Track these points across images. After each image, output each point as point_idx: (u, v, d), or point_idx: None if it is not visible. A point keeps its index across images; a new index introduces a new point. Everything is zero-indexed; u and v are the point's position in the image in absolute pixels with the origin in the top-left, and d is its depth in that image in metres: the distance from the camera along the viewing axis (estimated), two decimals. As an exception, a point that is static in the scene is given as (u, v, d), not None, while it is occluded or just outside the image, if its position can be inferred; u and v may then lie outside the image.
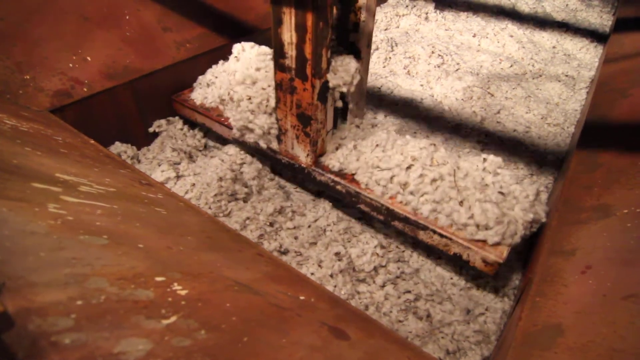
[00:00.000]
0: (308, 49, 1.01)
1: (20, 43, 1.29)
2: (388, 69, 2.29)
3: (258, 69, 1.38)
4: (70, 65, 1.36)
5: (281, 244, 1.24)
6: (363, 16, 1.14)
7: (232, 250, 0.74)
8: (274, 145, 1.37)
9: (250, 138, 1.39)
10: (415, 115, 1.95)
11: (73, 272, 0.41)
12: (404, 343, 0.73)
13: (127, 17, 1.53)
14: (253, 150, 1.48)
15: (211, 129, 1.58)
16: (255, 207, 1.32)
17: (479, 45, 2.46)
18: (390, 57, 2.32)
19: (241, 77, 1.37)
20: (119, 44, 1.48)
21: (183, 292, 0.48)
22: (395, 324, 1.08)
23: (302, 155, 1.30)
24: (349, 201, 1.27)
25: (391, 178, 1.18)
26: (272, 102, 1.32)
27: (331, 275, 1.15)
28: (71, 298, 0.37)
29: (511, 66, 2.29)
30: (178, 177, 1.42)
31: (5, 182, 0.56)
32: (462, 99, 2.04)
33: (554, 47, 2.55)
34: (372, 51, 2.35)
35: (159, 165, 1.44)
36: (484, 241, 1.05)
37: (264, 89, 1.34)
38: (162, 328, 0.40)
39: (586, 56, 2.49)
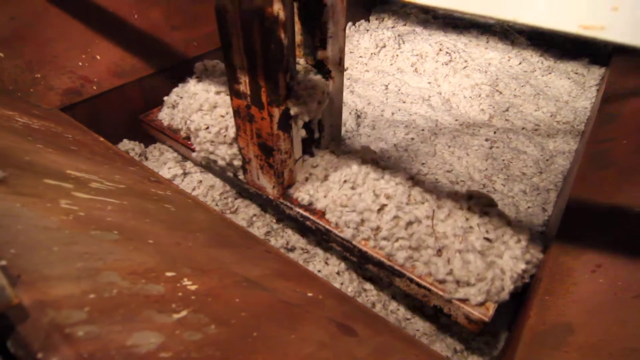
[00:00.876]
0: (260, 74, 0.89)
1: (30, 42, 1.31)
2: (395, 67, 2.28)
3: (219, 92, 1.25)
4: (80, 63, 1.38)
5: (288, 241, 1.25)
6: (331, 31, 1.02)
7: (240, 247, 0.74)
8: (240, 175, 1.23)
9: (215, 166, 1.27)
10: (422, 114, 1.95)
11: (85, 266, 0.42)
12: (411, 341, 0.73)
13: (136, 16, 1.54)
14: (222, 177, 1.38)
15: (179, 151, 1.49)
16: (262, 204, 1.32)
17: (487, 42, 2.44)
18: (397, 55, 2.32)
19: (198, 103, 1.24)
20: (128, 42, 1.49)
21: (193, 287, 0.49)
22: (402, 321, 1.08)
23: (268, 186, 1.16)
24: (319, 238, 1.14)
25: (361, 221, 1.02)
26: (232, 132, 1.18)
27: (338, 273, 1.15)
28: (84, 291, 0.38)
29: (520, 63, 2.27)
30: (185, 174, 1.43)
31: (18, 178, 0.56)
32: (470, 97, 2.02)
33: (564, 44, 2.52)
34: (379, 49, 2.35)
35: (165, 163, 1.45)
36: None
37: (222, 116, 1.20)
38: (173, 322, 0.40)
39: (597, 52, 2.46)
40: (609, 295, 0.75)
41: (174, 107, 1.48)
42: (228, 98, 1.23)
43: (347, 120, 1.84)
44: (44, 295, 0.35)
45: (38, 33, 1.33)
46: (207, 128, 1.21)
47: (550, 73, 2.23)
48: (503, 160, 1.64)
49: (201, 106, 1.25)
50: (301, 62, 1.10)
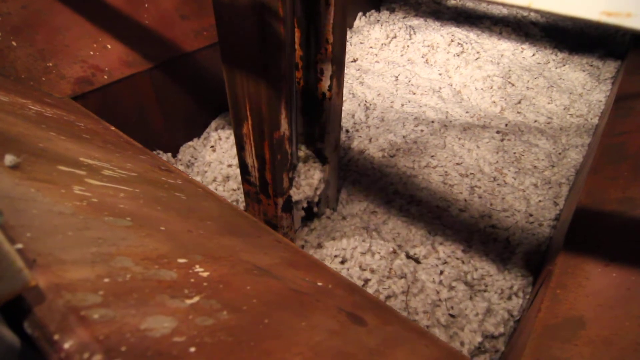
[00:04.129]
0: (268, 175, 1.05)
1: (42, 31, 1.31)
2: (406, 58, 2.26)
3: (230, 165, 1.39)
4: (91, 52, 1.38)
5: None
6: (328, 128, 1.15)
7: (250, 236, 0.74)
8: None
9: None
10: (432, 105, 1.93)
11: (99, 251, 0.42)
12: (421, 331, 0.73)
13: (146, 5, 1.54)
14: None
15: None
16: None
17: (500, 33, 2.40)
18: (408, 46, 2.29)
19: (212, 175, 1.37)
20: (138, 31, 1.49)
21: (205, 274, 0.49)
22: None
23: None
24: None
25: None
26: (242, 206, 1.30)
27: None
28: (99, 276, 0.38)
29: (533, 55, 2.23)
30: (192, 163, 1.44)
31: (32, 165, 0.57)
32: (482, 89, 2.00)
33: (579, 34, 2.47)
34: (390, 40, 2.32)
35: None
36: None
37: (234, 190, 1.34)
38: (186, 307, 0.40)
39: (613, 44, 2.40)
40: (621, 289, 0.74)
41: (188, 166, 1.57)
42: (238, 172, 1.34)
43: (356, 111, 1.83)
44: (60, 279, 0.35)
45: (49, 22, 1.33)
46: None
47: (564, 65, 2.19)
48: (514, 153, 1.62)
49: (215, 178, 1.39)
50: (302, 148, 1.23)
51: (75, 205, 0.50)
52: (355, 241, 1.20)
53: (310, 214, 1.32)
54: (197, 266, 0.50)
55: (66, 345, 0.30)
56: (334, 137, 1.19)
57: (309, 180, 1.17)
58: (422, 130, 1.70)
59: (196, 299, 0.43)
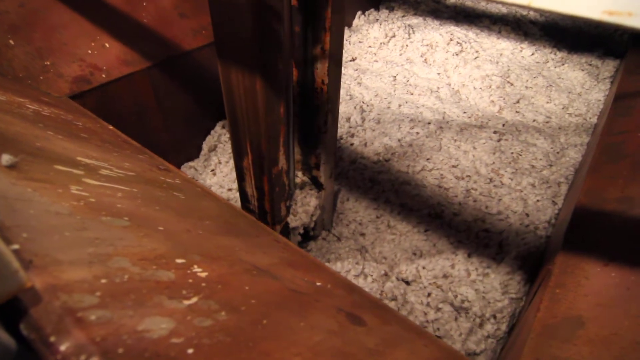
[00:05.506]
0: (267, 205, 1.10)
1: (39, 29, 1.31)
2: (404, 57, 2.25)
3: (230, 189, 1.40)
4: (89, 51, 1.37)
5: (296, 231, 1.25)
6: (323, 159, 1.20)
7: (249, 235, 0.74)
8: None
9: None
10: (429, 106, 1.92)
11: (97, 251, 0.42)
12: (420, 331, 0.73)
13: (145, 3, 1.53)
14: None
15: None
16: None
17: (499, 32, 2.39)
18: (407, 45, 2.29)
19: None
20: (137, 30, 1.49)
21: (203, 275, 0.49)
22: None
23: None
24: None
25: None
26: None
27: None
28: (96, 276, 0.38)
29: (532, 54, 2.23)
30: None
31: (29, 164, 0.56)
32: (481, 88, 2.00)
33: (578, 34, 2.47)
34: (388, 39, 2.32)
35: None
36: None
37: None
38: (184, 308, 0.40)
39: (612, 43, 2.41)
40: (621, 289, 0.74)
41: None
42: (237, 195, 1.36)
43: (353, 114, 1.82)
44: (56, 280, 0.35)
45: (47, 20, 1.33)
46: None
47: (563, 64, 2.19)
48: (512, 153, 1.62)
49: None
50: (299, 174, 1.27)
51: (72, 205, 0.49)
52: (349, 264, 1.22)
53: (307, 236, 1.36)
54: (196, 266, 0.50)
55: (62, 347, 0.30)
56: (329, 165, 1.24)
57: (305, 207, 1.22)
58: (417, 133, 1.69)
59: (194, 299, 0.42)
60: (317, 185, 1.27)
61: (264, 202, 1.10)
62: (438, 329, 1.08)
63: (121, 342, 0.32)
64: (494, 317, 1.11)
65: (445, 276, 1.21)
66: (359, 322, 0.61)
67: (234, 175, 1.45)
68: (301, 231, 1.26)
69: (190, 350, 0.35)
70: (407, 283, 1.21)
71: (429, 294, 1.15)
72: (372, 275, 1.18)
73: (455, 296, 1.15)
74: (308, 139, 1.19)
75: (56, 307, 0.32)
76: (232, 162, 1.52)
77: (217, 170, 1.55)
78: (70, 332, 0.31)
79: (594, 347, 0.66)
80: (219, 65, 0.91)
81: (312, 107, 1.11)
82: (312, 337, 0.49)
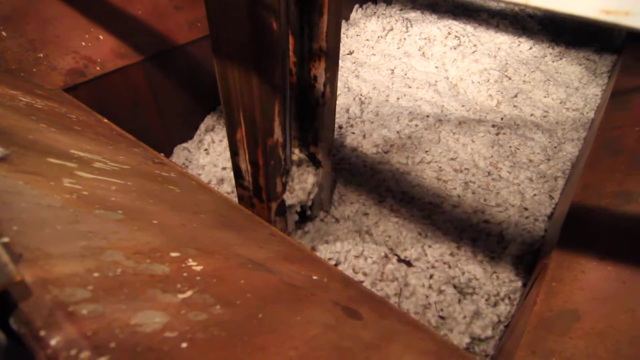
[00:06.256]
0: (262, 180, 1.05)
1: (32, 21, 1.29)
2: (402, 51, 2.24)
3: (224, 168, 1.37)
4: (83, 43, 1.36)
5: (293, 225, 1.25)
6: (321, 135, 1.16)
7: (245, 229, 0.74)
8: None
9: None
10: (427, 99, 1.92)
11: (89, 245, 0.41)
12: (416, 325, 0.73)
13: (139, -5, 1.51)
14: None
15: None
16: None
17: (497, 26, 2.38)
18: (404, 39, 2.27)
19: (206, 178, 1.36)
20: (131, 22, 1.47)
21: (198, 268, 0.48)
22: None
23: None
24: None
25: None
26: None
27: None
28: (88, 270, 0.37)
29: (530, 48, 2.22)
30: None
31: (21, 157, 0.56)
32: (478, 82, 1.99)
33: (576, 28, 2.46)
34: (386, 32, 2.30)
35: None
36: None
37: (228, 193, 1.33)
38: (178, 302, 0.39)
39: (610, 38, 2.40)
40: (617, 282, 0.74)
41: (182, 169, 1.53)
42: (232, 175, 1.33)
43: (351, 106, 1.82)
44: (47, 273, 0.34)
45: (40, 12, 1.31)
46: None
47: (561, 59, 2.19)
48: (510, 147, 1.62)
49: (210, 181, 1.38)
50: (296, 151, 1.22)
51: (64, 198, 0.49)
52: (349, 244, 1.20)
53: (304, 216, 1.32)
54: (190, 260, 0.49)
55: (53, 342, 0.29)
56: (327, 142, 1.20)
57: (302, 184, 1.18)
58: (416, 125, 1.69)
59: (189, 293, 0.42)
60: (315, 162, 1.22)
61: (259, 177, 1.05)
62: (442, 309, 1.07)
63: (113, 336, 0.31)
64: (508, 297, 1.11)
65: (452, 254, 1.22)
66: (355, 316, 0.60)
67: (227, 154, 1.41)
68: (298, 209, 1.22)
69: (184, 345, 0.34)
70: (409, 265, 1.20)
71: (431, 276, 1.13)
72: (372, 257, 1.15)
73: (463, 273, 1.15)
74: (305, 112, 1.14)
75: (47, 301, 0.32)
76: (226, 141, 1.47)
77: (210, 150, 1.52)
78: (61, 326, 0.30)
79: (590, 340, 0.66)
80: (208, 21, 0.85)
81: (309, 77, 1.05)
82: (308, 331, 0.48)
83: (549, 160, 1.57)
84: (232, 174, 1.31)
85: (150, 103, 1.56)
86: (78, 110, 1.08)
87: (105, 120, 1.10)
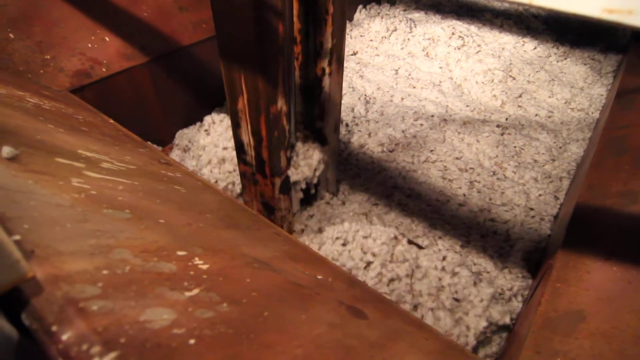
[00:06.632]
0: (265, 153, 1.00)
1: (39, 23, 1.30)
2: (406, 51, 2.24)
3: (226, 148, 1.35)
4: (89, 45, 1.37)
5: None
6: (327, 108, 1.12)
7: (250, 229, 0.74)
8: None
9: None
10: (432, 99, 1.92)
11: (98, 243, 0.42)
12: (420, 324, 0.73)
13: (145, -3, 1.53)
14: None
15: None
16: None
17: (501, 26, 2.38)
18: (408, 39, 2.27)
19: (207, 158, 1.34)
20: (137, 24, 1.48)
21: (204, 267, 0.49)
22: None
23: None
24: None
25: None
26: (238, 188, 1.30)
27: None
28: (97, 267, 0.38)
29: (534, 48, 2.21)
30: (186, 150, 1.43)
31: (30, 157, 0.56)
32: (483, 82, 1.99)
33: (581, 28, 2.45)
34: (390, 33, 2.30)
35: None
36: None
37: (230, 172, 1.31)
38: (186, 300, 0.40)
39: (615, 38, 2.39)
40: (622, 283, 0.74)
41: (185, 150, 1.55)
42: (234, 154, 1.30)
43: (356, 105, 1.82)
44: (58, 270, 0.35)
45: (47, 14, 1.32)
46: (216, 182, 1.30)
47: (565, 59, 2.18)
48: (514, 147, 1.62)
49: (210, 161, 1.35)
50: (301, 129, 1.19)
51: (73, 198, 0.49)
52: (357, 225, 1.16)
53: (309, 196, 1.27)
54: (197, 259, 0.50)
55: (64, 337, 0.30)
56: (333, 116, 1.14)
57: (307, 160, 1.13)
58: (421, 125, 1.69)
59: (196, 291, 0.42)
60: (321, 138, 1.18)
61: (261, 149, 0.99)
62: (456, 292, 1.03)
63: (123, 332, 0.32)
64: (521, 294, 1.10)
65: (462, 246, 1.22)
66: (360, 315, 0.61)
67: (229, 133, 1.38)
68: (303, 186, 1.17)
69: (191, 341, 0.35)
70: (419, 247, 1.16)
71: (444, 258, 1.10)
72: (380, 239, 1.11)
73: (474, 264, 1.15)
74: (311, 84, 1.09)
75: (58, 297, 0.32)
76: (227, 120, 1.45)
77: (210, 130, 1.49)
78: (72, 322, 0.31)
79: (595, 341, 0.66)
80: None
81: (315, 45, 1.00)
82: (313, 329, 0.49)
83: (554, 160, 1.57)
84: (233, 154, 1.29)
85: (155, 104, 1.57)
86: (85, 111, 1.09)
87: (112, 121, 1.11)
